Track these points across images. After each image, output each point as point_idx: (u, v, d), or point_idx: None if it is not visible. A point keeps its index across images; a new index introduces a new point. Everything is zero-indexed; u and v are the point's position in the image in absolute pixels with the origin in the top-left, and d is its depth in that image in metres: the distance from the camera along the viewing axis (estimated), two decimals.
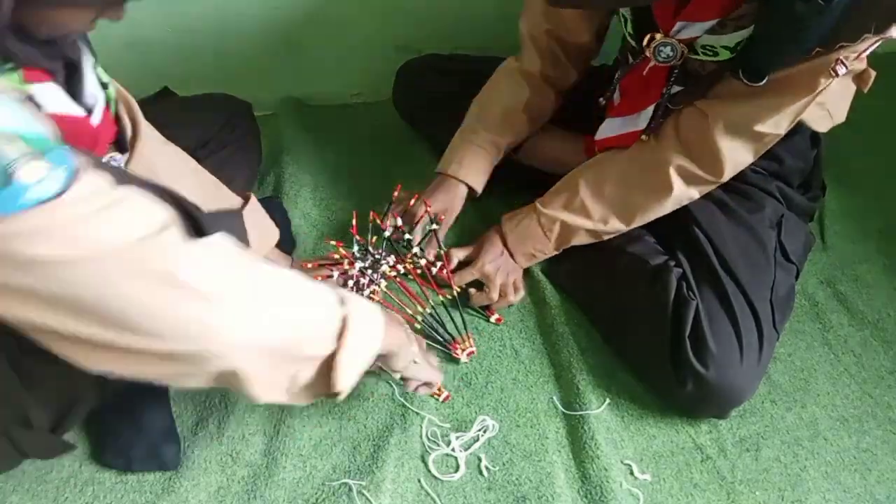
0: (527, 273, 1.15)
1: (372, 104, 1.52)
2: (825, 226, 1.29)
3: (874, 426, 1.02)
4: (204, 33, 1.31)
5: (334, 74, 1.47)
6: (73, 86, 0.64)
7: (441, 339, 1.05)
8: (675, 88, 0.93)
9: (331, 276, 1.09)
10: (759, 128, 0.87)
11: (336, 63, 1.45)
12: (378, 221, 1.14)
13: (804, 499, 0.93)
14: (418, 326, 1.05)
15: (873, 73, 0.88)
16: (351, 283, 1.08)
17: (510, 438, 0.96)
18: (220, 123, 1.09)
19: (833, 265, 1.23)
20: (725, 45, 0.84)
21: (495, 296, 1.08)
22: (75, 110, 0.63)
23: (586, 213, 1.02)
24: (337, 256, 1.10)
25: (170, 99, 1.15)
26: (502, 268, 1.10)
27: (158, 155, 0.81)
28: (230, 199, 0.91)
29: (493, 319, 1.09)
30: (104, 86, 0.70)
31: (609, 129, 1.03)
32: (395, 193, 1.17)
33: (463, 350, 1.04)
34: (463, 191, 1.12)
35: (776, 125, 0.87)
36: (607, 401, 1.00)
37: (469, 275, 1.10)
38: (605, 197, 1.01)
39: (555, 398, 1.01)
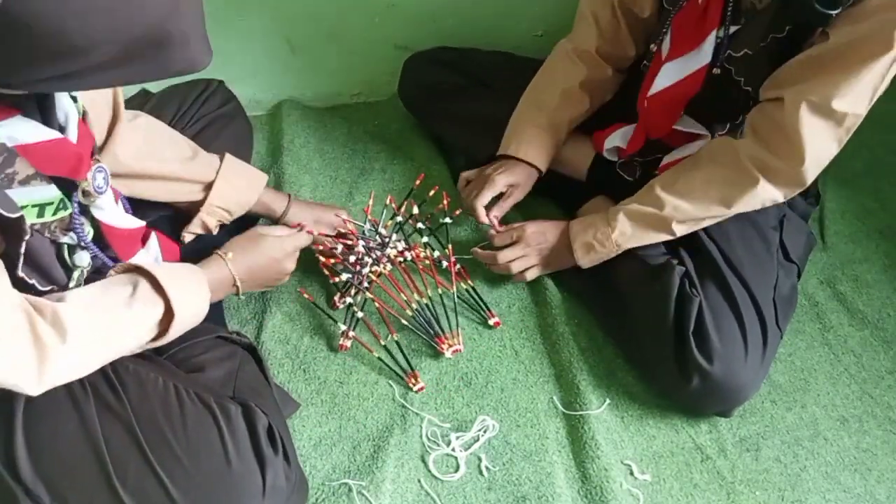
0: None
1: (372, 104, 1.52)
2: (825, 226, 1.29)
3: (874, 426, 1.02)
4: None
5: (334, 74, 1.47)
6: (44, 109, 0.63)
7: (430, 332, 1.05)
8: (732, 28, 0.89)
9: (334, 249, 1.08)
10: (839, 105, 0.81)
11: (336, 63, 1.45)
12: (394, 206, 1.14)
13: (804, 499, 0.93)
14: (410, 314, 1.05)
15: None
16: (353, 258, 1.07)
17: (510, 438, 0.96)
18: (191, 99, 1.10)
19: (833, 265, 1.23)
20: None
21: (506, 256, 1.06)
22: (50, 134, 0.63)
23: (658, 205, 0.96)
24: (343, 231, 1.10)
25: (144, 98, 1.15)
26: (541, 244, 1.07)
27: (132, 132, 0.87)
28: (209, 160, 0.96)
29: (491, 322, 1.09)
30: (74, 99, 0.69)
31: (667, 76, 0.96)
32: (417, 182, 1.17)
33: (449, 346, 1.04)
34: (527, 170, 1.09)
35: (855, 102, 0.81)
36: (607, 401, 1.00)
37: (508, 235, 1.08)
38: (679, 191, 0.96)
39: (555, 398, 1.01)
